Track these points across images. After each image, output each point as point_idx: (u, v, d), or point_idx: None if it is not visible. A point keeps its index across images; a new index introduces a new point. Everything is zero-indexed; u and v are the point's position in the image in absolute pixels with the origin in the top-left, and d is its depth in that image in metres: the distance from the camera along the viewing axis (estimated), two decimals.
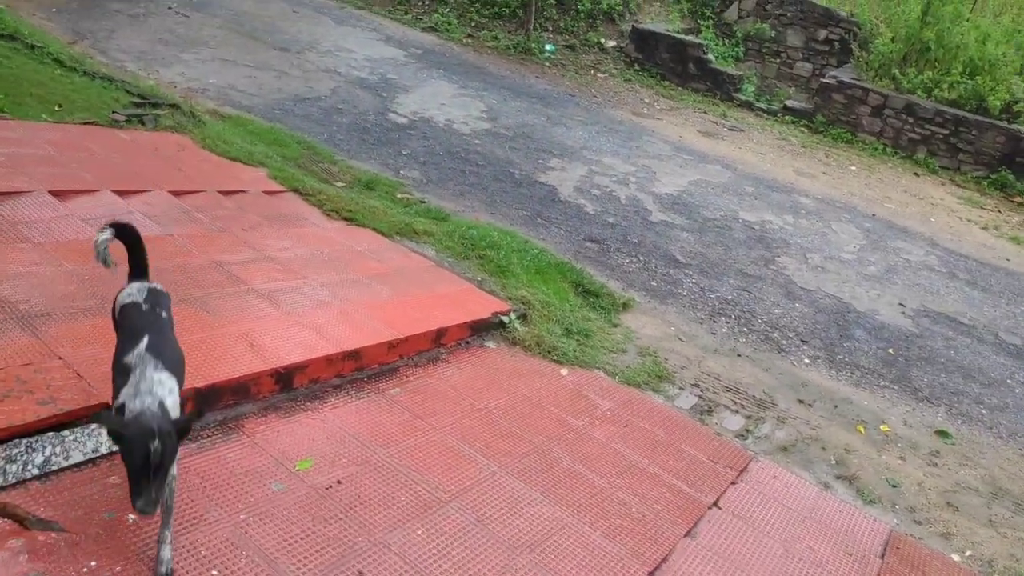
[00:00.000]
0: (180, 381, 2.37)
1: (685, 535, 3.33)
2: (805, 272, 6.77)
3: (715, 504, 3.64)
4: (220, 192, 5.40)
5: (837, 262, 7.08)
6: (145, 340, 2.32)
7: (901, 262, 7.35)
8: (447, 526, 2.89)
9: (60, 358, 2.95)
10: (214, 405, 3.12)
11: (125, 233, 2.70)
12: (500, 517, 3.03)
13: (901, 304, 6.51)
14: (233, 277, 4.14)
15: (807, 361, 5.45)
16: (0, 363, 2.82)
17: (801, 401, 4.94)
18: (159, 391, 2.24)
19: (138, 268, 2.70)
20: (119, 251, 2.73)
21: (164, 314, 2.54)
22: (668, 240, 6.88)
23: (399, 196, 6.51)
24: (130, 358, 2.29)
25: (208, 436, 2.97)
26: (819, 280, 6.66)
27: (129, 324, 2.44)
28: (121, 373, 2.29)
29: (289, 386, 3.45)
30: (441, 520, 2.91)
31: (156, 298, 2.57)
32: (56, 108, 6.04)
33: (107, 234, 2.65)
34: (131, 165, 5.37)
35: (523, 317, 4.97)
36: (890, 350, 5.76)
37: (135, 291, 2.56)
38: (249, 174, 5.96)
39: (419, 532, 2.80)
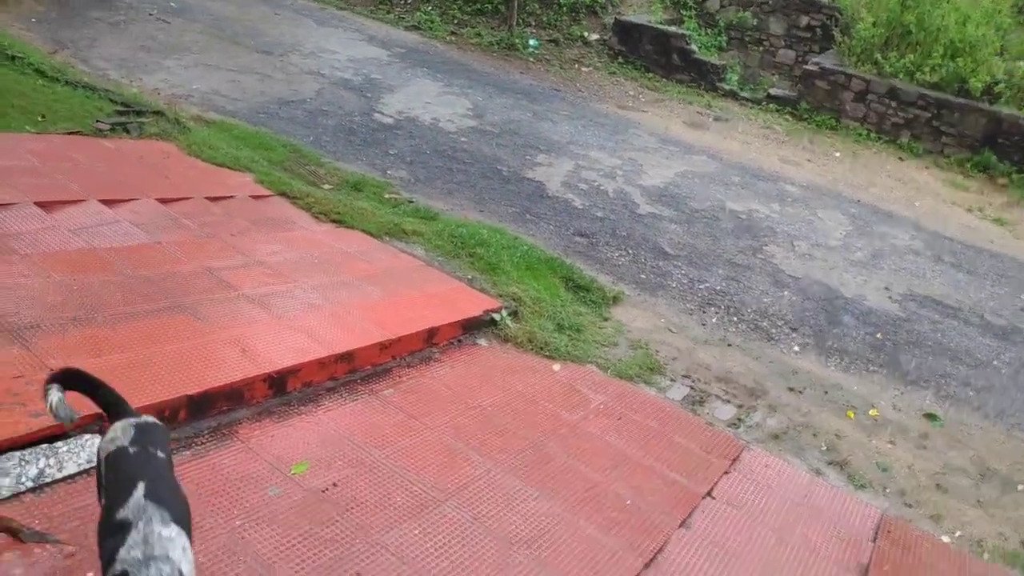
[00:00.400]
0: (189, 536, 1.89)
1: (680, 525, 3.36)
2: (792, 260, 6.82)
3: (709, 494, 3.67)
4: (207, 198, 5.39)
5: (824, 249, 7.13)
6: (141, 487, 1.83)
7: (887, 247, 7.40)
8: (444, 525, 2.91)
9: (51, 369, 2.94)
10: (208, 412, 3.13)
11: (74, 379, 2.20)
12: (496, 514, 3.06)
13: (888, 289, 6.56)
14: (223, 283, 4.14)
15: (796, 349, 5.50)
16: None
17: (791, 389, 4.98)
18: (174, 554, 1.75)
19: (113, 407, 2.19)
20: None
21: (160, 453, 2.05)
22: (656, 232, 6.91)
23: (387, 196, 6.51)
24: (125, 512, 1.78)
25: (202, 443, 2.99)
26: (807, 267, 6.71)
27: (117, 475, 1.94)
28: (113, 533, 1.79)
29: (282, 390, 3.46)
30: (438, 519, 2.93)
31: (146, 435, 2.07)
32: (39, 119, 6.01)
33: (55, 395, 2.11)
34: (117, 174, 5.36)
35: (514, 314, 4.99)
36: (878, 335, 5.82)
37: (119, 432, 2.04)
38: (236, 179, 5.95)
39: (416, 532, 2.83)
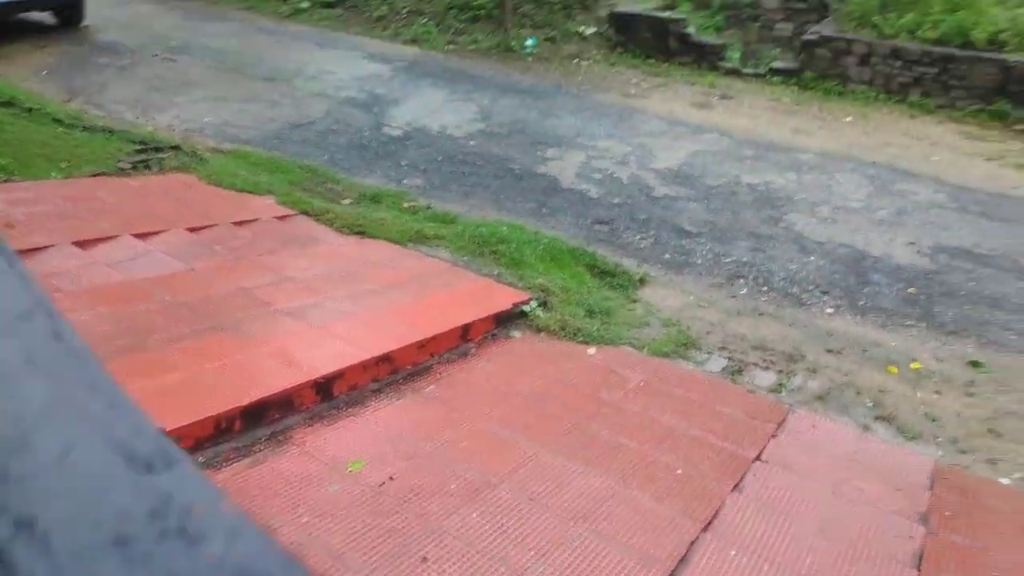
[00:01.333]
0: None
1: (733, 490, 3.38)
2: (815, 225, 6.80)
3: (758, 458, 3.68)
4: (233, 223, 5.51)
5: (845, 211, 7.10)
6: None
7: (910, 203, 7.36)
8: (500, 506, 2.95)
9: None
10: (261, 421, 3.21)
11: None
12: (550, 492, 3.10)
13: (915, 243, 6.53)
14: (259, 300, 4.23)
15: (830, 311, 5.49)
16: None
17: (830, 350, 4.98)
18: None
19: None
20: None
21: None
22: (675, 213, 6.93)
23: (405, 205, 6.60)
24: None
25: (260, 450, 3.06)
26: (830, 232, 6.69)
27: None
28: None
29: (329, 395, 3.53)
30: (494, 501, 2.97)
31: None
32: (63, 165, 6.18)
33: None
34: (144, 209, 5.49)
35: (544, 304, 5.03)
36: (911, 289, 5.79)
37: None
38: (258, 203, 6.07)
39: (474, 515, 2.87)
